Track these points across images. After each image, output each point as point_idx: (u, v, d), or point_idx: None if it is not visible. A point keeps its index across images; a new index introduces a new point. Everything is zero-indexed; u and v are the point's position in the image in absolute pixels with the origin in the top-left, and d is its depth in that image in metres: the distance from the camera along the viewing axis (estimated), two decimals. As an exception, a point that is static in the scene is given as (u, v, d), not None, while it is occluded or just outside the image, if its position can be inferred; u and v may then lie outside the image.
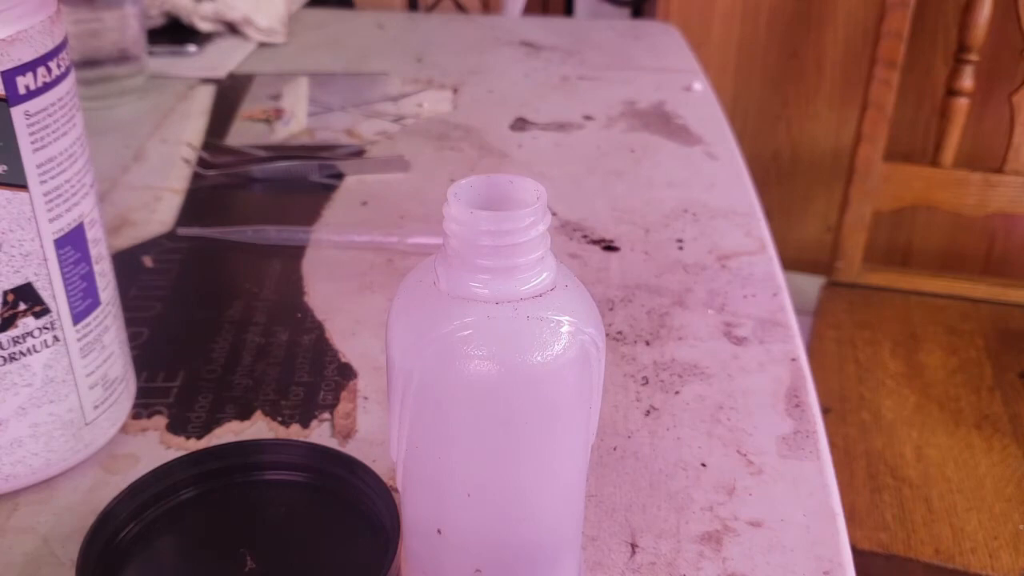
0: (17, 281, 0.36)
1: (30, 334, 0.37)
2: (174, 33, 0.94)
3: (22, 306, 0.36)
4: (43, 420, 0.39)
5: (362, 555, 0.34)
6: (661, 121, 0.78)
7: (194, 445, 0.43)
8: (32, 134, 0.35)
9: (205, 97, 0.83)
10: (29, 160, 0.35)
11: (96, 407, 0.40)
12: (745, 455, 0.42)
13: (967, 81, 1.20)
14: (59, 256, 0.37)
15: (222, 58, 0.91)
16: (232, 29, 0.96)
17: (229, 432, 0.43)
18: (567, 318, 0.27)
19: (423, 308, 0.27)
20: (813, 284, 1.30)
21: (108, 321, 0.41)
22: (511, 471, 0.27)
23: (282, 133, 0.76)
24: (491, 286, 0.26)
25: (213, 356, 0.49)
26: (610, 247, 0.59)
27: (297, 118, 0.78)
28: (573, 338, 0.27)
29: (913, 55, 1.43)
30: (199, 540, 0.35)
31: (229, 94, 0.83)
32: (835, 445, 0.87)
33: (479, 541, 0.29)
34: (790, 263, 0.60)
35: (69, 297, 0.38)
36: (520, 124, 0.78)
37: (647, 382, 0.47)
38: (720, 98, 0.85)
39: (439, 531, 0.29)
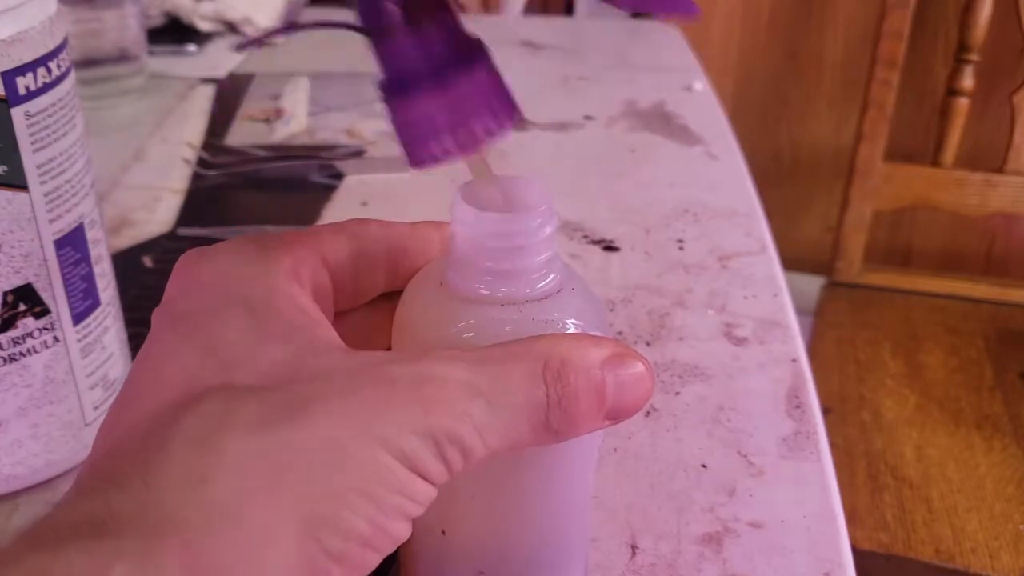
0: (17, 282, 0.36)
1: (30, 335, 0.37)
2: (174, 33, 0.93)
3: (22, 307, 0.36)
4: (43, 421, 0.38)
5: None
6: (661, 121, 0.78)
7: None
8: (32, 135, 0.35)
9: (205, 97, 0.83)
10: (29, 161, 0.35)
11: (96, 408, 0.40)
12: (746, 456, 0.42)
13: (967, 81, 1.20)
14: (59, 257, 0.37)
15: (222, 58, 0.91)
16: (232, 29, 0.96)
17: (229, 433, 0.43)
18: (572, 320, 0.26)
19: (428, 309, 0.27)
20: (813, 284, 1.31)
21: (108, 322, 0.41)
22: (516, 472, 0.27)
23: (282, 133, 0.76)
24: (497, 288, 0.26)
25: (213, 356, 0.49)
26: (610, 247, 0.59)
27: (297, 118, 0.78)
28: None
29: (913, 55, 1.43)
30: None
31: (229, 94, 0.83)
32: (835, 445, 0.87)
33: (483, 543, 0.29)
34: (790, 263, 0.60)
35: (69, 298, 0.38)
36: (520, 124, 0.78)
37: (647, 383, 0.47)
38: (720, 98, 0.85)
39: (443, 532, 0.28)
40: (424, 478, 0.22)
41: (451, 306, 0.26)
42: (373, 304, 0.29)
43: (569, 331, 0.26)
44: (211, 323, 0.24)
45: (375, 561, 0.22)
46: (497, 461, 0.23)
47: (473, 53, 0.25)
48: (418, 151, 0.25)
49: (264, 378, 0.22)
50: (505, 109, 0.25)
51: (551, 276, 0.27)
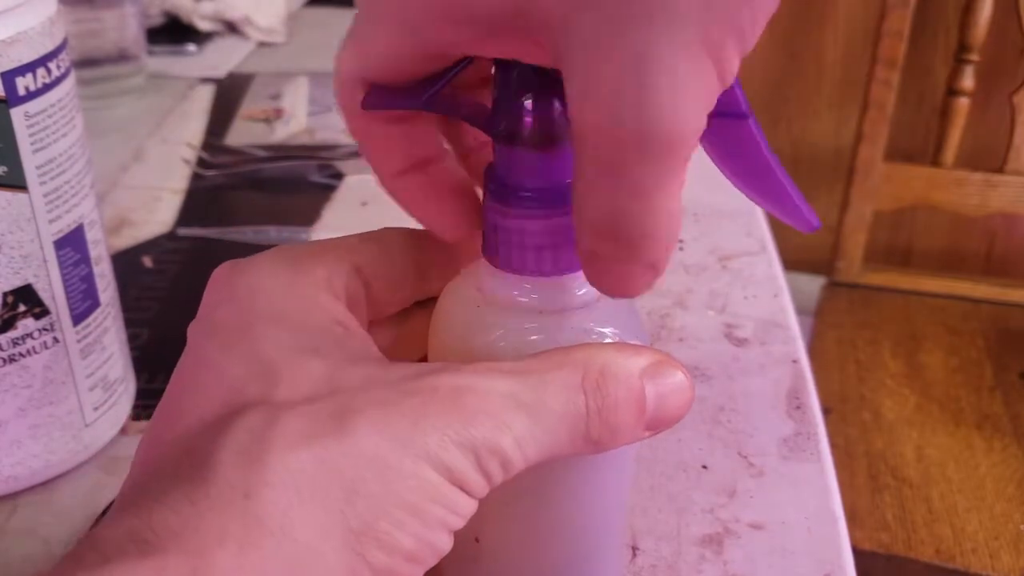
0: (17, 282, 0.36)
1: (30, 335, 0.37)
2: (174, 32, 0.93)
3: (22, 307, 0.36)
4: (43, 421, 0.38)
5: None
6: (661, 121, 0.78)
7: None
8: (32, 135, 0.35)
9: (205, 97, 0.83)
10: (29, 161, 0.35)
11: (96, 408, 0.40)
12: (746, 457, 0.42)
13: (968, 81, 1.20)
14: (59, 257, 0.37)
15: (222, 57, 0.91)
16: (232, 28, 0.96)
17: (229, 433, 0.43)
18: (610, 329, 0.26)
19: (465, 317, 0.26)
20: (814, 284, 1.31)
21: (108, 322, 0.41)
22: (552, 481, 0.27)
23: (282, 133, 0.75)
24: (534, 296, 0.25)
25: (213, 357, 0.49)
26: (611, 248, 0.59)
27: (297, 118, 0.78)
28: None
29: (913, 55, 1.43)
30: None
31: (229, 94, 0.83)
32: (836, 445, 0.88)
33: (517, 550, 0.28)
34: (791, 263, 0.60)
35: (69, 298, 0.38)
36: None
37: (648, 383, 0.47)
38: (721, 98, 0.85)
39: (476, 539, 0.28)
40: (465, 491, 0.22)
41: (488, 314, 0.26)
42: (407, 312, 0.29)
43: (607, 340, 0.26)
44: (248, 336, 0.23)
45: (418, 575, 0.22)
46: (533, 469, 0.23)
47: None
48: (494, 251, 0.25)
49: (304, 391, 0.22)
50: None
51: (588, 284, 0.26)
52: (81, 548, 0.20)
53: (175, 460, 0.22)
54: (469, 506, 0.22)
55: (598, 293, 0.26)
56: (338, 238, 0.27)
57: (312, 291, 0.25)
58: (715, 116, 0.22)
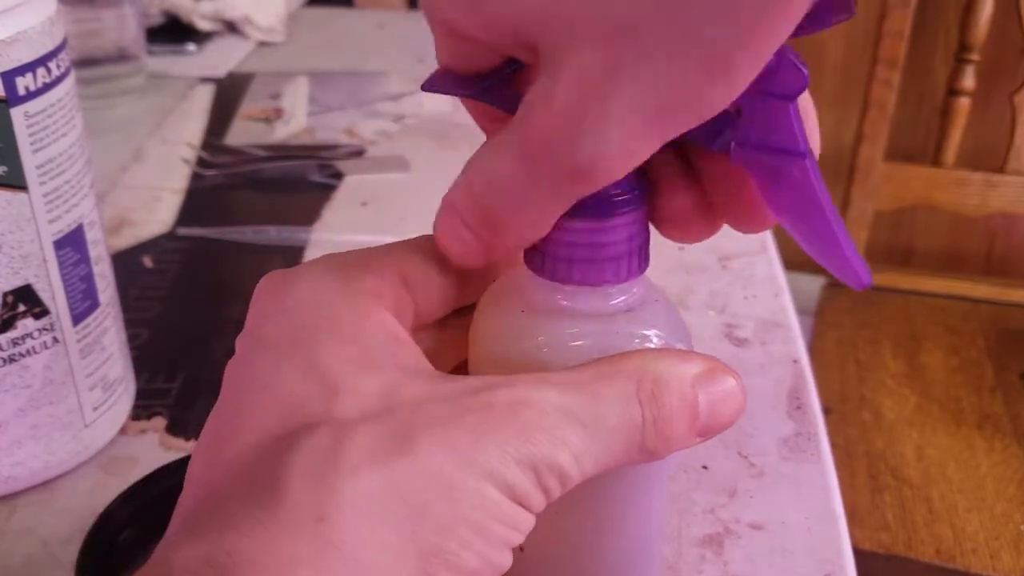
0: (17, 282, 0.36)
1: (29, 335, 0.37)
2: (173, 32, 0.93)
3: (21, 307, 0.36)
4: (42, 422, 0.38)
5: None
6: (662, 121, 0.78)
7: (193, 447, 0.42)
8: (32, 135, 0.35)
9: (204, 96, 0.83)
10: (29, 161, 0.35)
11: (95, 408, 0.40)
12: (746, 457, 0.42)
13: (968, 81, 1.20)
14: (58, 257, 0.37)
15: (222, 57, 0.91)
16: (231, 28, 0.96)
17: (229, 433, 0.43)
18: (655, 332, 0.25)
19: (507, 323, 0.26)
20: (814, 284, 1.30)
21: (107, 322, 0.40)
22: (601, 491, 0.26)
23: (282, 133, 0.75)
24: (578, 301, 0.25)
25: (213, 357, 0.49)
26: (611, 248, 0.59)
27: (297, 118, 0.78)
28: None
29: (914, 55, 1.42)
30: (199, 542, 0.35)
31: (229, 93, 0.83)
32: (836, 445, 0.87)
33: (563, 560, 0.28)
34: (791, 263, 0.60)
35: (69, 298, 0.38)
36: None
37: (648, 383, 0.47)
38: (721, 98, 0.85)
39: (521, 549, 0.27)
40: (525, 507, 0.22)
41: (530, 320, 0.25)
42: (445, 320, 0.28)
43: (652, 344, 0.25)
44: (302, 350, 0.23)
45: None
46: (585, 479, 0.23)
47: (632, 197, 0.24)
48: (538, 260, 0.25)
49: (362, 406, 0.22)
50: (636, 262, 0.25)
51: (633, 288, 0.26)
52: (151, 573, 0.20)
53: (240, 481, 0.21)
54: (528, 522, 0.22)
55: (641, 297, 0.26)
56: (382, 246, 0.27)
57: (362, 302, 0.24)
58: (769, 151, 0.22)
